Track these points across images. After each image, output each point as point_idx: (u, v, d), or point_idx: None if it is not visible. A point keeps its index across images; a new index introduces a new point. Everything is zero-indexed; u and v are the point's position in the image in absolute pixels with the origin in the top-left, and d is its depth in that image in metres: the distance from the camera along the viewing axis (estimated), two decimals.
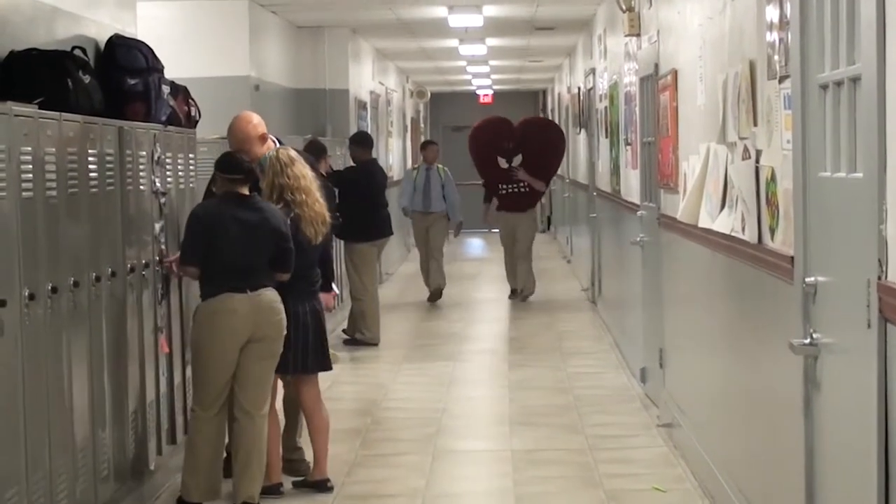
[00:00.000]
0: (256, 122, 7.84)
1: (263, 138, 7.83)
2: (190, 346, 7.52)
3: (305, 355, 7.54)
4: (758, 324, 6.11)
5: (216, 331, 7.15)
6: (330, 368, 7.78)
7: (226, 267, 7.16)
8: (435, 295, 16.77)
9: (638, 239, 10.21)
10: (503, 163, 17.04)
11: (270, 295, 7.22)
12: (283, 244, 7.27)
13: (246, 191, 7.27)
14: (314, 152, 11.78)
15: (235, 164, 7.33)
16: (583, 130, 18.29)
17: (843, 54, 4.45)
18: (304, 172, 7.49)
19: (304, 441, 8.03)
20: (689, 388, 8.37)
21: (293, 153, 7.57)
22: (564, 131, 19.45)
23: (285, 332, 7.29)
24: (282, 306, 7.26)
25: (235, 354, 7.16)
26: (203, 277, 7.28)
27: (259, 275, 7.20)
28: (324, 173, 11.60)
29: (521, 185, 16.86)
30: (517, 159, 16.95)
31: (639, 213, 10.40)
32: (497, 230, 17.96)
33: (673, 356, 8.99)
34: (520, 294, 16.77)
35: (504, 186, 16.94)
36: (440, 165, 17.22)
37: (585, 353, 12.44)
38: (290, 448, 8.01)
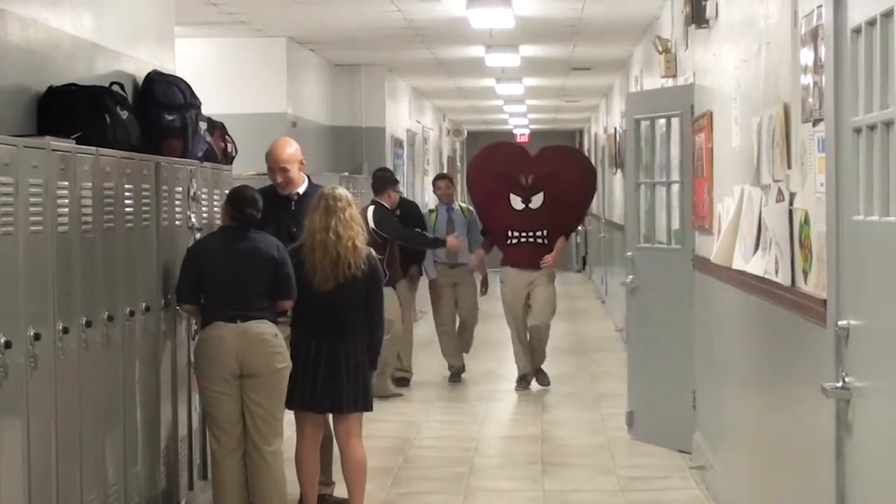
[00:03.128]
0: (296, 147, 8.15)
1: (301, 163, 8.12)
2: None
3: (314, 394, 7.42)
4: (790, 366, 6.09)
5: (205, 358, 7.17)
6: (368, 409, 7.64)
7: (219, 298, 7.17)
8: (460, 371, 13.42)
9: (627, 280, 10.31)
10: (518, 203, 12.59)
11: (261, 327, 7.16)
12: (280, 269, 7.24)
13: (252, 224, 7.28)
14: (375, 186, 12.17)
15: (238, 200, 7.31)
16: (619, 171, 18.18)
17: (877, 98, 4.45)
18: (314, 219, 7.38)
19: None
20: (721, 430, 8.34)
21: (333, 199, 7.43)
22: (598, 170, 17.84)
23: (283, 367, 7.23)
24: (276, 340, 7.19)
25: (232, 386, 7.14)
26: (201, 309, 7.29)
27: (253, 305, 7.16)
28: (388, 206, 11.99)
29: (539, 233, 12.46)
30: (537, 199, 12.57)
31: (628, 252, 10.44)
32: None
33: (706, 398, 8.96)
34: (531, 377, 12.76)
35: (516, 234, 12.53)
36: (463, 204, 14.00)
37: (619, 394, 12.35)
38: (322, 483, 8.02)
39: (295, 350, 7.41)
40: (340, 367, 7.44)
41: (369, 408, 7.66)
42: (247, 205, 7.27)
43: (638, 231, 10.40)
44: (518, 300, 12.47)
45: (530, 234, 12.46)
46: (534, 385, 12.68)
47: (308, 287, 7.34)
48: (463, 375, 13.33)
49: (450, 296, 13.25)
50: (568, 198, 12.55)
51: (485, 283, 13.69)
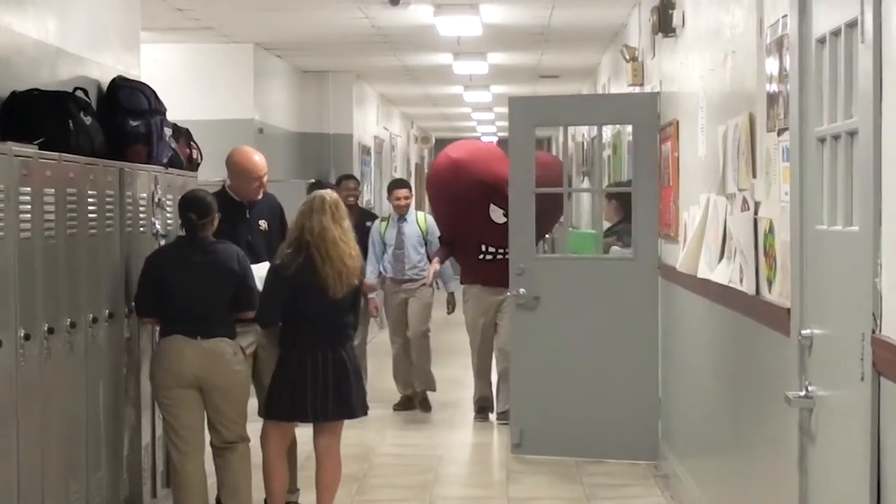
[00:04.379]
0: (258, 159, 8.06)
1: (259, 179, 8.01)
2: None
3: (325, 404, 7.35)
4: (754, 375, 6.10)
5: (163, 369, 7.12)
6: (351, 416, 7.54)
7: (178, 312, 7.10)
8: (414, 399, 12.04)
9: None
10: (499, 215, 10.78)
11: (222, 346, 7.12)
12: (242, 284, 7.20)
13: (204, 232, 7.18)
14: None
15: (181, 203, 7.26)
16: (586, 179, 18.19)
17: (841, 108, 4.46)
18: (327, 224, 7.29)
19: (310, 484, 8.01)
20: (686, 437, 8.35)
21: (335, 206, 7.39)
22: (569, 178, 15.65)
23: (242, 376, 7.23)
24: (236, 357, 7.17)
25: (190, 395, 7.10)
26: (161, 321, 7.24)
27: (213, 321, 7.12)
28: None
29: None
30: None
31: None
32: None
33: (670, 406, 8.97)
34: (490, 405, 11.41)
35: (490, 250, 10.97)
36: (421, 213, 12.40)
37: None
38: (287, 491, 7.98)
39: (295, 360, 7.31)
40: (348, 375, 7.39)
41: (366, 412, 7.69)
42: (187, 207, 7.20)
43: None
44: (487, 323, 11.09)
45: (502, 250, 10.64)
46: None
47: (318, 294, 7.25)
48: (417, 401, 12.04)
49: (400, 314, 11.92)
50: (549, 209, 10.49)
51: (451, 302, 12.18)
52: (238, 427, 7.27)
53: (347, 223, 7.41)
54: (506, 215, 10.28)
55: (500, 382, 11.12)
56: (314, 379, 7.29)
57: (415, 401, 12.00)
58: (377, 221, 12.15)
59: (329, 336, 7.35)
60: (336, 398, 7.36)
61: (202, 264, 7.13)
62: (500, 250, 10.75)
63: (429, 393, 12.02)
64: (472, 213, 10.85)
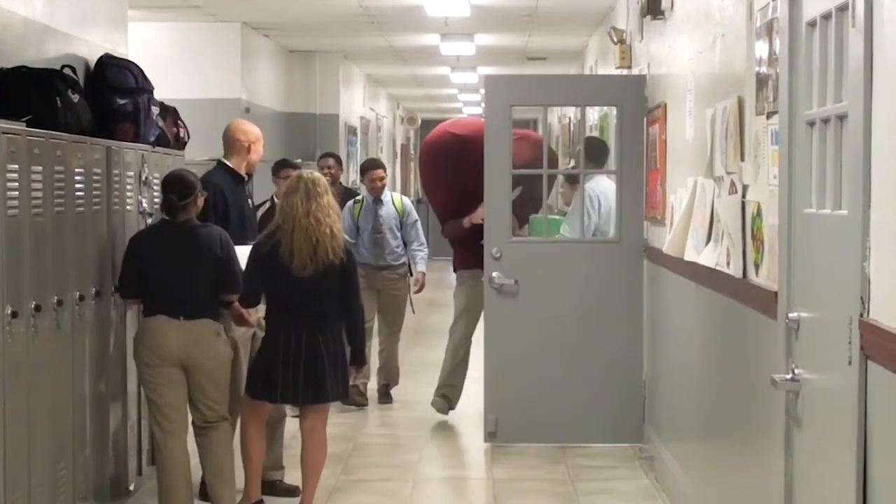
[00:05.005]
0: (243, 131, 8.15)
1: (248, 149, 8.10)
2: None
3: (296, 386, 7.31)
4: (741, 358, 6.12)
5: (146, 348, 7.10)
6: (325, 400, 7.45)
7: (160, 294, 7.09)
8: (380, 394, 11.49)
9: None
10: None
11: (206, 327, 7.10)
12: (225, 266, 7.15)
13: (186, 214, 7.15)
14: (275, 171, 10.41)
15: (168, 184, 7.24)
16: (572, 161, 18.14)
17: (831, 92, 4.47)
18: (294, 202, 7.25)
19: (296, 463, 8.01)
20: (671, 420, 8.37)
21: (312, 183, 7.35)
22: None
23: (227, 358, 7.19)
24: (219, 338, 7.13)
25: (173, 374, 7.08)
26: (144, 301, 7.22)
27: (196, 302, 7.08)
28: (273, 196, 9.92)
29: None
30: (515, 192, 9.99)
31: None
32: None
33: (656, 388, 8.99)
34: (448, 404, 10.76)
35: None
36: (396, 195, 11.79)
37: None
38: (272, 468, 8.00)
39: (271, 340, 7.31)
40: (322, 358, 7.31)
41: (346, 397, 7.68)
42: (167, 188, 7.19)
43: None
44: (478, 306, 10.38)
45: None
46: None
47: (285, 272, 7.22)
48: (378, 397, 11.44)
49: (371, 305, 11.00)
50: (538, 193, 10.12)
51: (420, 282, 11.53)
52: (220, 407, 7.26)
53: (327, 199, 7.33)
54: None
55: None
56: (286, 360, 7.25)
57: (380, 394, 11.49)
58: (350, 203, 11.34)
59: (303, 317, 7.30)
60: (308, 381, 7.31)
61: (181, 248, 7.09)
62: None
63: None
64: (476, 193, 9.97)
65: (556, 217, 10.56)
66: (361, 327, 7.57)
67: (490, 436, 9.69)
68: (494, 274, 9.63)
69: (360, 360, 7.53)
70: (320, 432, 7.53)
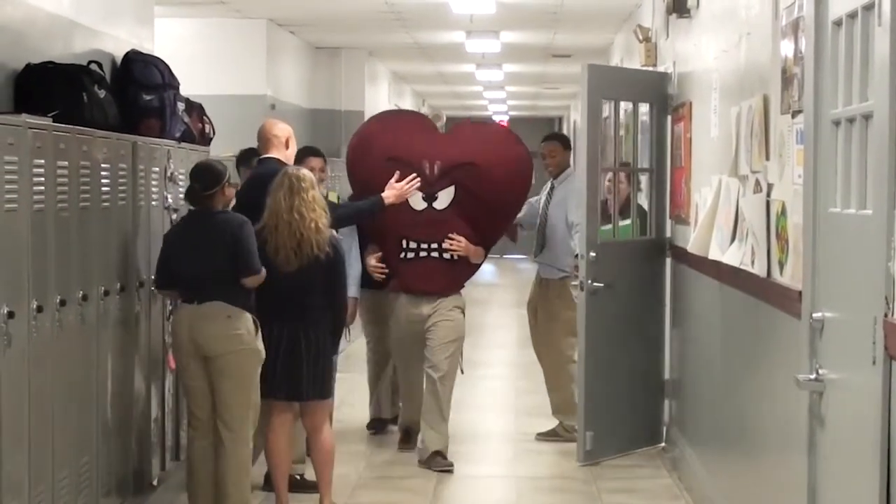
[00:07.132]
0: (279, 129, 8.19)
1: (286, 144, 8.16)
2: None
3: (279, 381, 7.33)
4: (764, 357, 6.11)
5: (174, 337, 7.19)
6: (325, 397, 7.50)
7: (183, 283, 7.14)
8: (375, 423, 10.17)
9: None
10: (418, 200, 8.80)
11: (214, 308, 7.04)
12: (236, 247, 7.07)
13: (211, 203, 7.14)
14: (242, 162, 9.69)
15: (194, 173, 7.25)
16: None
17: (856, 91, 4.45)
18: (277, 198, 7.29)
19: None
20: (695, 419, 8.36)
21: (297, 178, 7.37)
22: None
23: (241, 349, 7.04)
24: (231, 321, 7.01)
25: (197, 368, 7.09)
26: (178, 293, 7.26)
27: (209, 286, 7.06)
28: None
29: (445, 245, 8.81)
30: (444, 196, 8.83)
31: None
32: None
33: (680, 388, 8.97)
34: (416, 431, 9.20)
35: (412, 246, 8.86)
36: (333, 192, 10.46)
37: None
38: (296, 462, 8.01)
39: (265, 338, 7.27)
40: (301, 354, 7.34)
41: (326, 395, 7.55)
42: (193, 177, 7.22)
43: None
44: (415, 339, 8.91)
45: (433, 245, 8.83)
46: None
47: (269, 267, 7.22)
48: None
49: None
50: (490, 196, 8.83)
51: (353, 315, 9.32)
52: (231, 418, 7.08)
53: (312, 194, 7.34)
54: (426, 199, 8.80)
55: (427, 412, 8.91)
56: (268, 354, 7.24)
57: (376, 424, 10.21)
58: None
59: (287, 312, 7.33)
60: (287, 377, 7.36)
61: (200, 235, 7.10)
62: (426, 245, 8.84)
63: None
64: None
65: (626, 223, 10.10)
66: (342, 321, 7.62)
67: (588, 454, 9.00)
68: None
69: (334, 349, 7.61)
70: (321, 428, 7.54)
